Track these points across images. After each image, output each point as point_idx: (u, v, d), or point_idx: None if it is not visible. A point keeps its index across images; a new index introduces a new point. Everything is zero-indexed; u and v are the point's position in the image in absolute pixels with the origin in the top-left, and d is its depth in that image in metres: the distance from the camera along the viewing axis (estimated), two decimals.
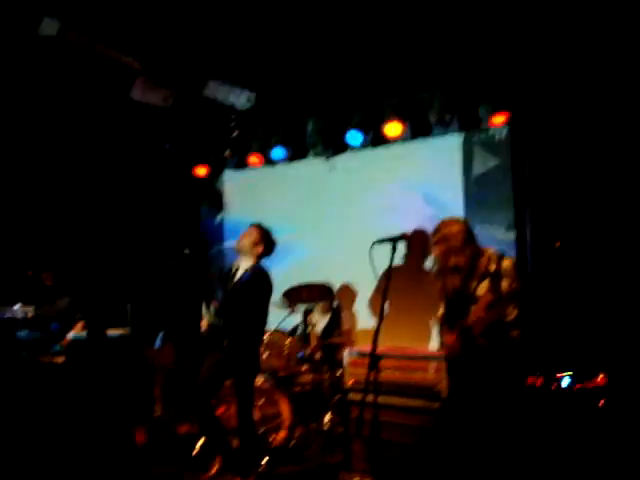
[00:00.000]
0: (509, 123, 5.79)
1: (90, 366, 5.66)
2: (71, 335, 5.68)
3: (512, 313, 3.73)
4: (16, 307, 5.27)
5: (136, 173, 7.58)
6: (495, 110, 5.75)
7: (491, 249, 3.95)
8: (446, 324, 4.04)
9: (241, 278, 4.83)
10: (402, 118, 6.27)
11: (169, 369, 6.39)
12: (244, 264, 4.89)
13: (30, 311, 5.28)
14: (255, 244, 4.87)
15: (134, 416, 5.55)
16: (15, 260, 6.14)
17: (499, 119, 5.79)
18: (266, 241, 4.95)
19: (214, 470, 4.89)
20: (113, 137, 6.96)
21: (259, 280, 4.86)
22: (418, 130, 6.43)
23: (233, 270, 4.95)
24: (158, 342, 6.27)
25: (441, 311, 4.16)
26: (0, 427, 5.19)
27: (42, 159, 6.67)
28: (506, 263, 3.82)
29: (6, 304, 5.33)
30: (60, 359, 5.58)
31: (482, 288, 3.81)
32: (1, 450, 5.02)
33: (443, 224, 3.99)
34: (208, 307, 4.80)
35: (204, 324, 4.84)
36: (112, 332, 5.54)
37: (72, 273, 6.01)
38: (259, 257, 4.92)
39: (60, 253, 6.46)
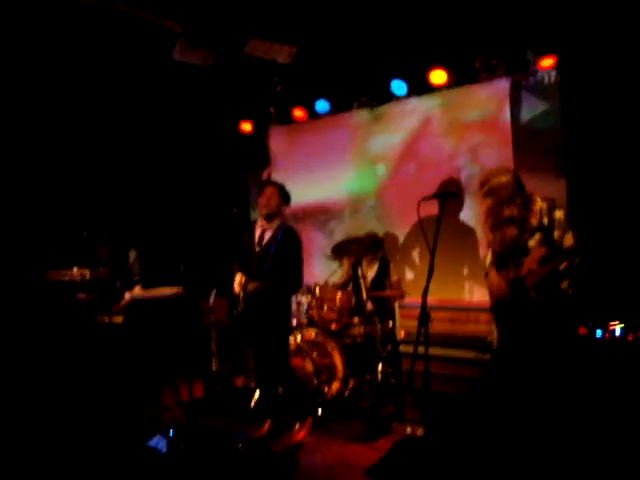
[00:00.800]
0: (558, 66, 5.56)
1: (148, 325, 5.83)
2: (128, 295, 5.83)
3: (563, 264, 3.69)
4: (74, 271, 5.42)
5: (183, 134, 7.63)
6: (543, 53, 5.54)
7: (540, 199, 3.88)
8: (495, 271, 4.01)
9: (275, 238, 4.85)
10: (447, 65, 6.11)
11: (223, 324, 6.54)
12: (271, 224, 4.92)
13: (87, 274, 5.42)
14: (280, 204, 4.92)
15: (192, 371, 5.70)
16: (71, 223, 6.28)
17: (547, 62, 5.57)
18: (287, 197, 5.00)
19: (266, 427, 5.04)
20: (158, 100, 6.99)
21: (294, 238, 4.94)
22: (464, 77, 6.23)
23: (259, 232, 4.98)
24: (211, 299, 6.39)
25: (489, 259, 4.13)
26: (61, 386, 5.46)
27: (92, 123, 6.75)
28: (558, 214, 3.77)
29: (63, 268, 5.48)
30: (119, 319, 5.75)
31: (534, 240, 3.77)
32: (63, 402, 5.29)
33: (491, 175, 3.92)
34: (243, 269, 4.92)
35: (237, 282, 4.92)
36: (167, 291, 5.66)
37: (123, 236, 6.12)
38: (284, 215, 4.98)
39: (114, 215, 6.58)
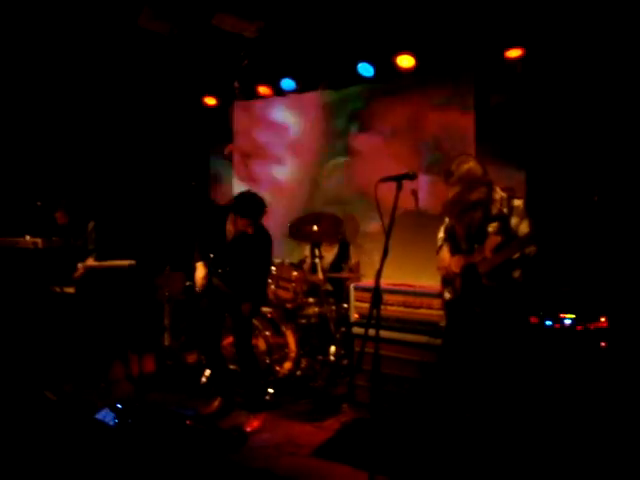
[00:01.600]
0: (524, 57, 5.61)
1: (100, 296, 5.75)
2: (82, 266, 5.73)
3: (517, 253, 3.73)
4: (26, 238, 5.31)
5: (146, 104, 7.49)
6: (510, 44, 5.58)
7: (500, 189, 3.91)
8: (447, 251, 4.06)
9: (248, 235, 4.78)
10: (414, 51, 6.10)
11: (177, 299, 6.48)
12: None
13: (39, 242, 5.32)
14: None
15: (143, 345, 5.66)
16: (23, 192, 6.15)
17: (514, 53, 5.61)
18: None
19: (216, 404, 5.04)
20: (123, 68, 6.84)
21: (266, 236, 4.92)
22: (430, 63, 6.23)
23: (231, 228, 4.89)
24: (165, 272, 6.33)
25: (441, 235, 4.17)
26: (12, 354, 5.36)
27: (52, 90, 6.58)
28: (517, 203, 3.81)
29: (15, 236, 5.36)
30: (71, 289, 5.66)
31: (492, 227, 3.80)
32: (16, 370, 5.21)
33: (457, 164, 3.93)
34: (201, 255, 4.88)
35: (201, 276, 4.86)
36: (120, 263, 5.57)
37: (82, 206, 6.00)
38: None
39: (70, 185, 6.45)
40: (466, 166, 3.85)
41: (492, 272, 3.75)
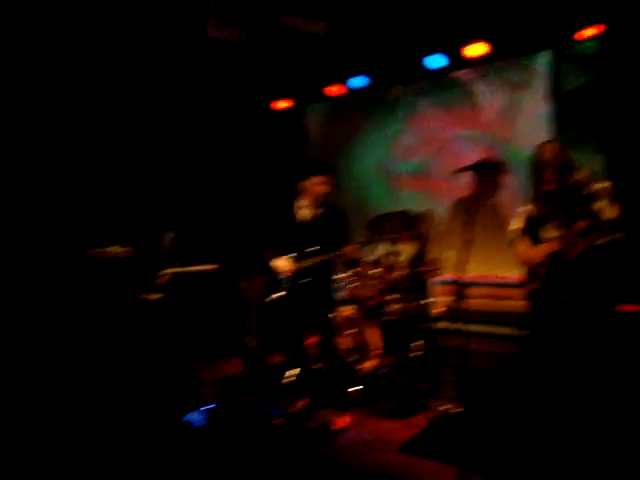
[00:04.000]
0: (601, 36, 5.38)
1: (186, 300, 5.87)
2: (166, 272, 5.87)
3: (605, 238, 3.59)
4: (113, 249, 5.48)
5: (219, 111, 7.62)
6: (586, 23, 5.36)
7: (582, 173, 3.78)
8: (527, 239, 3.94)
9: (325, 217, 4.80)
10: (485, 38, 5.96)
11: (260, 302, 6.56)
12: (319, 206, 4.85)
13: (128, 252, 5.47)
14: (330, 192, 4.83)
15: (230, 347, 5.75)
16: (107, 204, 6.35)
17: (590, 32, 5.39)
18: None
19: (301, 404, 5.06)
20: (194, 77, 6.99)
21: (342, 216, 4.89)
22: (504, 50, 6.08)
23: (307, 213, 4.87)
24: (248, 276, 6.42)
25: (517, 226, 4.05)
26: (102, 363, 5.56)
27: (128, 103, 6.78)
28: (599, 186, 3.67)
29: (104, 246, 5.55)
30: (155, 296, 5.80)
31: (579, 211, 3.67)
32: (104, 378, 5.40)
33: (542, 149, 3.83)
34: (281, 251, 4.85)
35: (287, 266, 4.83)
36: (204, 268, 5.68)
37: (164, 215, 6.16)
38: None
39: (151, 196, 6.63)
40: (550, 152, 3.75)
41: (580, 258, 3.62)
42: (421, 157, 7.08)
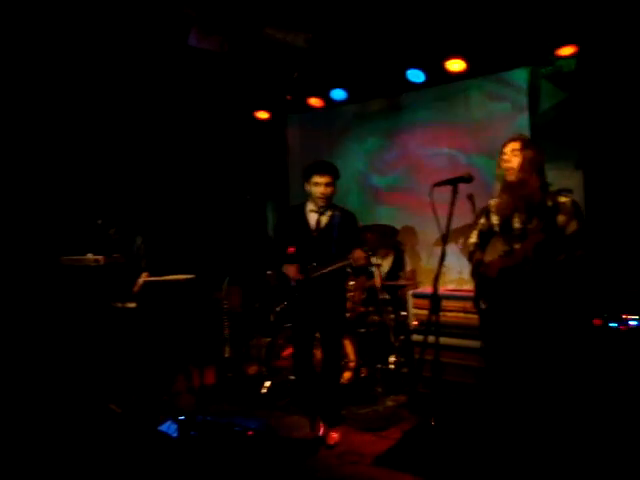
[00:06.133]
0: (578, 54, 5.47)
1: (161, 310, 5.83)
2: (142, 280, 5.83)
3: (563, 255, 3.56)
4: (88, 257, 5.44)
5: (199, 120, 7.61)
6: (563, 42, 5.45)
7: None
8: (480, 253, 3.97)
9: (335, 221, 4.64)
10: (464, 54, 6.03)
11: (236, 312, 6.55)
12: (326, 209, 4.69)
13: (101, 260, 5.43)
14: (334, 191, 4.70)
15: (204, 358, 5.71)
16: (83, 211, 6.29)
17: (567, 50, 5.48)
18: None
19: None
20: (176, 86, 6.97)
21: (353, 218, 4.77)
22: (481, 66, 6.15)
23: (315, 218, 4.68)
24: (225, 286, 6.40)
25: (473, 240, 4.08)
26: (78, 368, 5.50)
27: (105, 111, 6.74)
28: (563, 199, 3.63)
29: (77, 254, 5.50)
30: (132, 304, 5.76)
31: (532, 225, 3.67)
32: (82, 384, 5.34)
33: (509, 140, 3.87)
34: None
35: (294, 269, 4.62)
36: (180, 277, 5.65)
37: (136, 222, 6.12)
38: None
39: (124, 202, 6.58)
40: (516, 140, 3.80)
41: (536, 274, 3.61)
42: (399, 171, 7.12)
